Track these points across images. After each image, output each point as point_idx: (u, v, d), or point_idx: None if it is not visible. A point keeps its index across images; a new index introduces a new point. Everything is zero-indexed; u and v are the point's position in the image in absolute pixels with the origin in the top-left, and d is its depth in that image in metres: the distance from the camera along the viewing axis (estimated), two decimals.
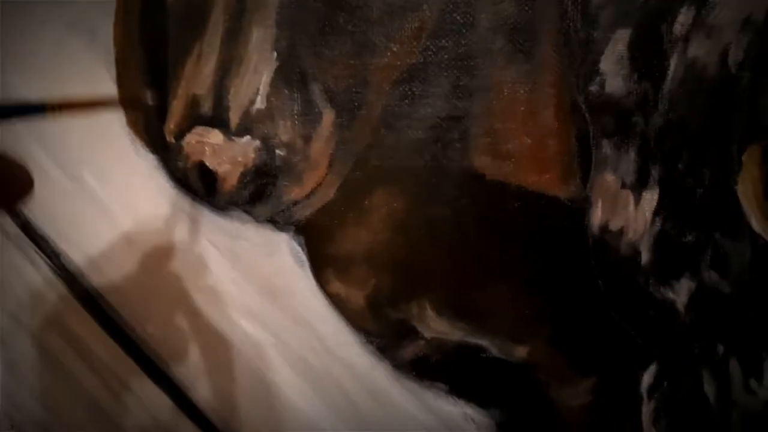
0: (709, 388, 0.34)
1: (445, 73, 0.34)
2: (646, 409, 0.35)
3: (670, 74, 0.32)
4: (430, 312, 0.36)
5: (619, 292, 0.34)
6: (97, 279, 0.38)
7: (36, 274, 0.38)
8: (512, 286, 0.35)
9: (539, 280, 0.34)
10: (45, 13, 0.36)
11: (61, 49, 0.37)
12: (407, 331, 0.36)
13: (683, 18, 0.32)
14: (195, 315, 0.37)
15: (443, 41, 0.34)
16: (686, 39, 0.32)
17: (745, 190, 0.32)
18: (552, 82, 0.33)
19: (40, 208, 0.38)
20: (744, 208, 0.33)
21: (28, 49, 0.37)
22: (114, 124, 0.37)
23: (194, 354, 0.37)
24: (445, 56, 0.34)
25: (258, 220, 0.36)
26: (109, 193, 0.37)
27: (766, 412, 0.33)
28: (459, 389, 0.36)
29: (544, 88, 0.33)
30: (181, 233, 0.37)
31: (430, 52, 0.34)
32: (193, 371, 0.37)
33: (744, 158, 0.32)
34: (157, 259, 0.37)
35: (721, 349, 0.34)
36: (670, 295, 0.34)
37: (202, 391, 0.37)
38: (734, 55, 0.32)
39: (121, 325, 0.38)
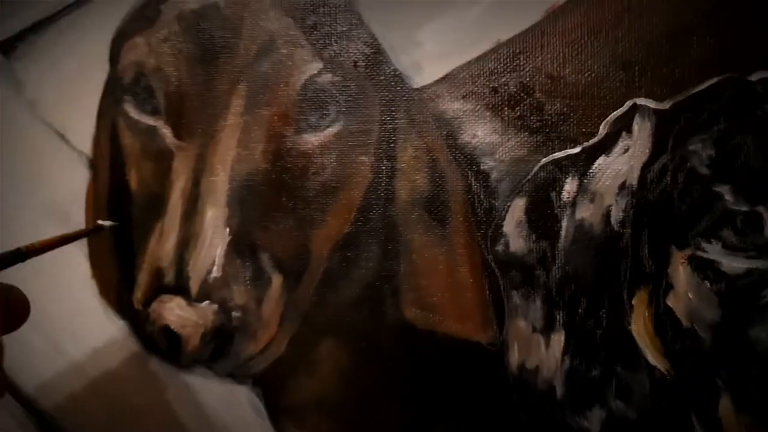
0: None
1: (375, 240, 0.39)
2: None
3: (562, 234, 0.38)
4: None
5: (540, 423, 0.38)
6: None
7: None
8: (447, 424, 0.39)
9: (471, 417, 0.39)
10: (16, 203, 0.41)
11: (37, 234, 0.42)
12: None
13: (569, 186, 0.38)
14: None
15: (370, 213, 0.39)
16: (573, 204, 0.38)
17: (638, 328, 0.38)
18: (464, 243, 0.39)
19: (22, 371, 0.42)
20: (639, 345, 0.38)
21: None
22: (88, 295, 0.42)
23: None
24: (373, 225, 0.39)
25: (218, 374, 0.41)
26: (87, 357, 0.42)
27: None
28: None
29: (458, 249, 0.39)
30: (150, 391, 0.41)
31: (360, 223, 0.39)
32: None
33: (634, 302, 0.38)
34: (131, 415, 0.41)
35: None
36: (585, 423, 0.38)
37: None
38: (615, 215, 0.38)
39: None
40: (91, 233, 0.39)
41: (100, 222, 0.39)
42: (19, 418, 0.42)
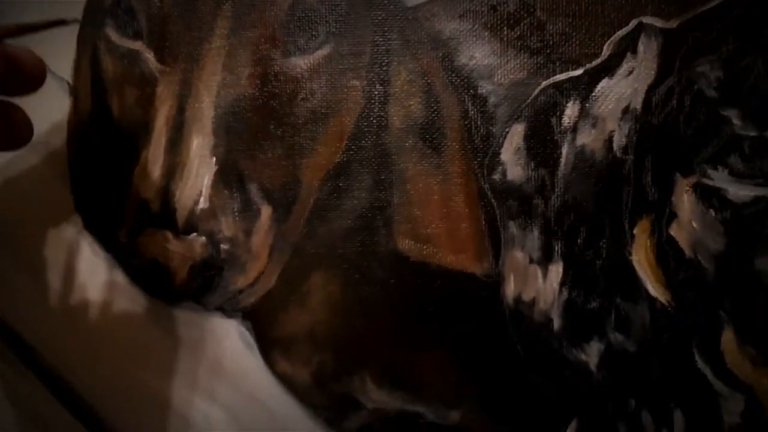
0: None
1: (367, 170, 0.38)
2: None
3: (562, 161, 0.36)
4: (370, 384, 0.39)
5: (537, 356, 0.38)
6: (60, 366, 0.41)
7: None
8: (441, 356, 0.38)
9: (464, 349, 0.38)
10: None
11: (18, 163, 0.40)
12: (351, 403, 0.39)
13: (570, 111, 0.36)
14: (155, 398, 0.40)
15: (362, 141, 0.38)
16: (574, 129, 0.36)
17: (639, 259, 0.36)
18: (460, 172, 0.37)
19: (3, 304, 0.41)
20: (639, 275, 0.36)
21: None
22: (72, 229, 0.40)
23: None
24: (365, 154, 0.38)
25: (208, 308, 0.40)
26: (70, 290, 0.41)
27: None
28: None
29: (453, 178, 0.37)
30: (137, 324, 0.40)
31: (351, 151, 0.38)
32: None
33: (635, 231, 0.36)
34: (117, 347, 0.40)
35: (632, 403, 0.37)
36: (583, 356, 0.37)
37: None
38: (618, 141, 0.36)
39: (84, 406, 0.40)
40: (52, 26, 0.36)
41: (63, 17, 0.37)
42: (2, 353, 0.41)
